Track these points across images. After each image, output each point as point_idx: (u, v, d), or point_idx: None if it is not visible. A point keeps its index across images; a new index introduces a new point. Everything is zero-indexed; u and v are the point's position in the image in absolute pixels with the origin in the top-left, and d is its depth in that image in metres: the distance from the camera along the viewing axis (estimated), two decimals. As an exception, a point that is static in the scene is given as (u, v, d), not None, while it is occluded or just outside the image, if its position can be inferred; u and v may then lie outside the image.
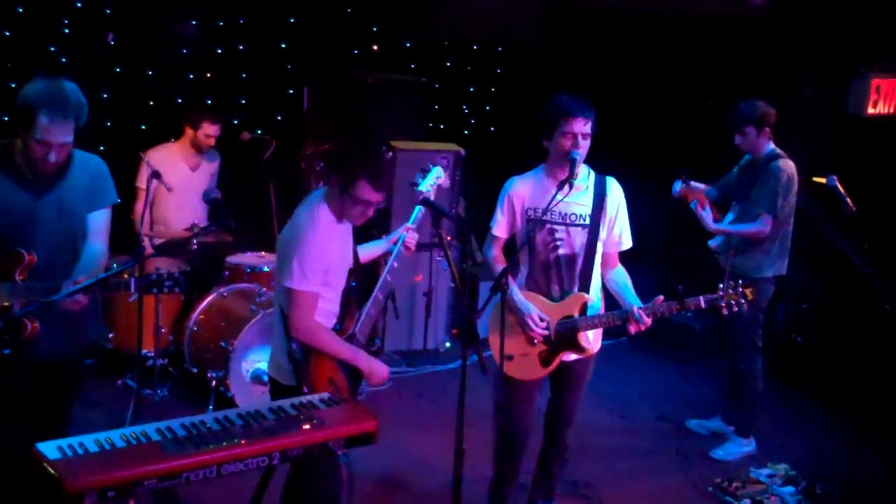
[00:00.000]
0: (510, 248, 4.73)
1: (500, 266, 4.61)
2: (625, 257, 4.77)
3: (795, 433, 6.60)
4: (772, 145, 5.96)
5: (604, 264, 4.68)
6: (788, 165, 5.87)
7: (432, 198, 4.42)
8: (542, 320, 4.54)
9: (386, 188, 4.07)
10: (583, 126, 4.41)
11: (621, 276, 4.70)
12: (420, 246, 7.43)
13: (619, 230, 4.64)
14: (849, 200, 5.35)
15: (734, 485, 5.63)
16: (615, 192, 4.61)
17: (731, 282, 4.63)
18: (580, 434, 5.16)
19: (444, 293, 7.74)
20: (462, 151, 7.64)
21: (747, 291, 4.59)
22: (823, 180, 5.43)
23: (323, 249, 3.94)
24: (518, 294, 4.58)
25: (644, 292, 4.68)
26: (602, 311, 4.67)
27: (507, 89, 9.67)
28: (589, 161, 4.58)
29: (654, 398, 7.05)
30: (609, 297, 4.75)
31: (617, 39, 8.79)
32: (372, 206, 4.00)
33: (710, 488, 5.66)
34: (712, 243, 6.20)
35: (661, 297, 4.51)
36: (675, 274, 4.78)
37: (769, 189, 5.82)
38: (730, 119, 5.98)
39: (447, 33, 9.22)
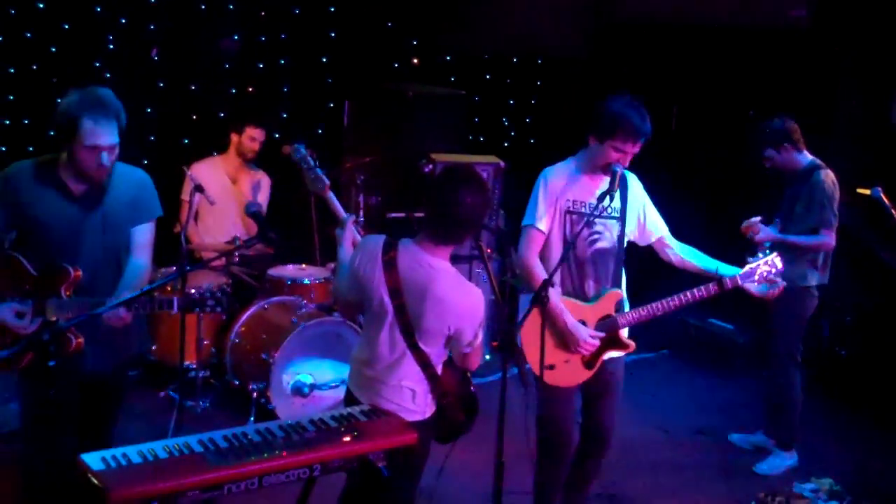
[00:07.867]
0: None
1: (538, 271, 4.45)
2: (662, 268, 4.75)
3: (840, 447, 6.50)
4: (809, 156, 5.90)
5: (667, 248, 4.71)
6: (829, 176, 5.81)
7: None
8: (592, 337, 4.50)
9: None
10: (636, 148, 4.42)
11: (688, 248, 4.74)
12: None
13: (656, 215, 4.71)
14: (893, 212, 5.29)
15: (777, 499, 5.55)
16: (635, 183, 4.67)
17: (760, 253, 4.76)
18: (619, 447, 5.12)
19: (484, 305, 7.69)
20: (502, 164, 7.64)
21: (776, 259, 4.71)
22: (867, 191, 5.38)
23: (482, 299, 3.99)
24: (561, 304, 4.47)
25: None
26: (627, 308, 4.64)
27: (547, 101, 9.66)
28: (629, 172, 4.58)
29: (696, 411, 6.99)
30: (634, 296, 4.72)
31: (659, 51, 8.76)
32: None
33: (753, 503, 5.60)
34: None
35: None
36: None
37: (817, 204, 5.75)
38: (754, 143, 5.95)
39: (487, 46, 9.23)
